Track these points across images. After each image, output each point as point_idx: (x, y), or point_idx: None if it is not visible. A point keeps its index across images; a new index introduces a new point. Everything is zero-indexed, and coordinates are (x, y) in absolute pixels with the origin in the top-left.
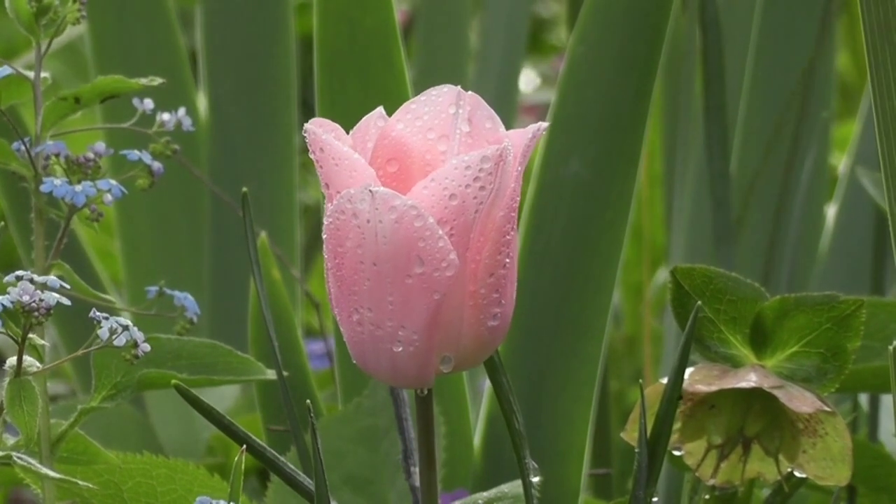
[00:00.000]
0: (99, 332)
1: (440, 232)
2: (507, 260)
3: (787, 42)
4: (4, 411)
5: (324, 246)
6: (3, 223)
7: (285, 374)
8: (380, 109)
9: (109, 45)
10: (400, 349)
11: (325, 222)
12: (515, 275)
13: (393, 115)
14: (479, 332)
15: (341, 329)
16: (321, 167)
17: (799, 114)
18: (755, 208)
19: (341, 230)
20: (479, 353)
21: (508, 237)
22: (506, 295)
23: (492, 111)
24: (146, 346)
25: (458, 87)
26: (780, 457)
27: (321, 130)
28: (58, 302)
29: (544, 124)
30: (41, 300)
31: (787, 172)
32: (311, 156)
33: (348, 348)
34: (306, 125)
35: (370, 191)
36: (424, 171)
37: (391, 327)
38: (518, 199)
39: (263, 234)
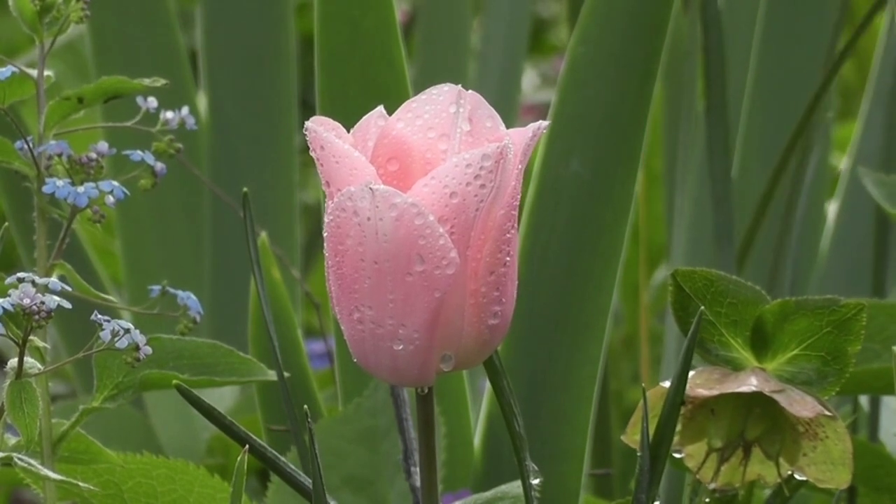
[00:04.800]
0: (101, 334)
1: (441, 230)
2: (508, 258)
3: (790, 41)
4: (5, 413)
5: (324, 244)
6: (5, 224)
7: (286, 374)
8: (380, 108)
9: (109, 44)
10: (400, 347)
11: (326, 220)
12: (516, 273)
13: (393, 114)
14: (480, 331)
15: (342, 327)
16: (322, 165)
17: (809, 116)
18: (763, 217)
19: (342, 228)
20: (479, 352)
21: (509, 235)
22: (506, 293)
23: (492, 110)
24: (148, 349)
25: (459, 85)
26: (781, 460)
27: (322, 129)
28: (58, 305)
29: (545, 123)
30: (42, 303)
31: (796, 175)
32: (312, 154)
33: (349, 347)
34: (307, 123)
35: (371, 188)
36: (425, 170)
37: (392, 325)
38: (518, 197)
39: (263, 234)
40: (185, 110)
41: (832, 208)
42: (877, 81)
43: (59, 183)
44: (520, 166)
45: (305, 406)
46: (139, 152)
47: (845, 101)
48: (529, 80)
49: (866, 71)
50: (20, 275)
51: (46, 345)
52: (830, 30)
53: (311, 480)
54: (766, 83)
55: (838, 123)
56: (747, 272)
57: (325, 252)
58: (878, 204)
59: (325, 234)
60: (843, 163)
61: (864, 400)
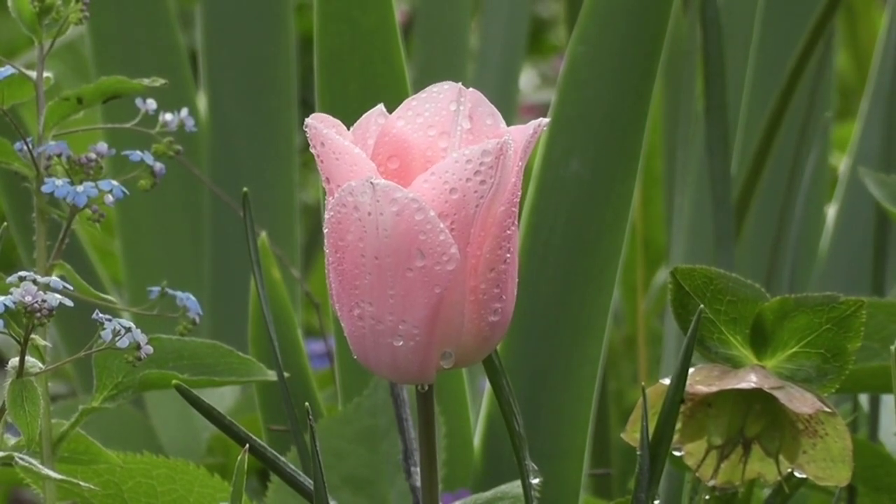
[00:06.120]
0: (102, 333)
1: (441, 225)
2: (508, 255)
3: (789, 41)
4: (6, 412)
5: (325, 240)
6: (4, 224)
7: (286, 374)
8: (380, 107)
9: (109, 45)
10: (401, 343)
11: (326, 216)
12: (516, 271)
13: (394, 112)
14: (480, 328)
15: (342, 324)
16: (322, 162)
17: (805, 114)
18: (758, 209)
19: (342, 223)
20: (479, 349)
21: (509, 232)
22: (506, 290)
23: (493, 108)
24: (149, 349)
25: (459, 83)
26: (781, 457)
27: (322, 125)
28: (60, 303)
29: (545, 120)
30: (44, 301)
31: (793, 174)
32: (312, 150)
33: (349, 343)
34: (307, 120)
35: (371, 183)
36: (425, 168)
37: (392, 321)
38: (519, 194)
39: (263, 234)
40: (184, 112)
41: (832, 208)
42: (876, 81)
43: (59, 182)
44: (520, 163)
45: (307, 403)
46: (139, 153)
47: (845, 101)
48: (529, 80)
49: (866, 70)
50: (21, 273)
51: (47, 343)
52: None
53: (311, 480)
54: (765, 83)
55: (838, 123)
56: (746, 273)
57: (325, 249)
58: (878, 204)
59: (325, 231)
60: (842, 163)
61: (863, 399)
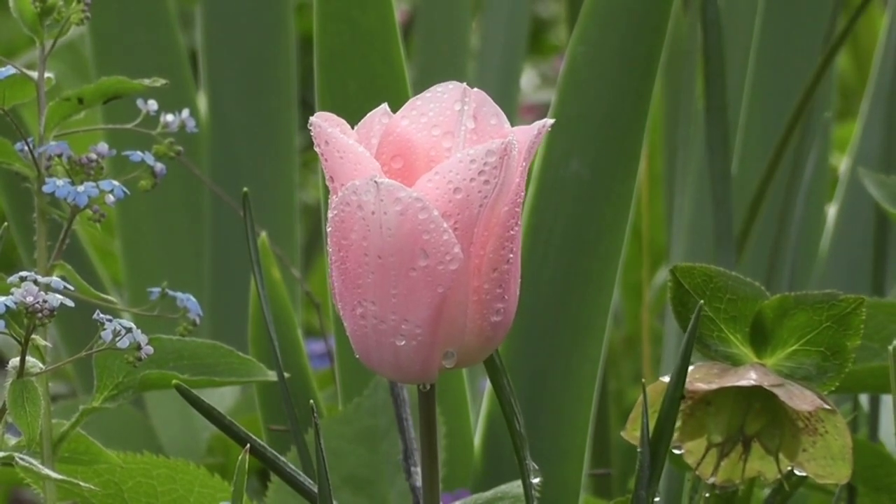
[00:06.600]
0: (102, 334)
1: (444, 225)
2: (511, 255)
3: (789, 42)
4: (7, 412)
5: (328, 239)
6: (5, 224)
7: (286, 374)
8: (384, 106)
9: (110, 45)
10: (403, 343)
11: (330, 215)
12: (519, 271)
13: (398, 112)
14: (483, 328)
15: (345, 323)
16: (326, 160)
17: (806, 115)
18: (759, 210)
19: (346, 222)
20: (481, 349)
21: (513, 233)
22: (509, 291)
23: (497, 108)
24: (149, 349)
25: (464, 83)
26: (781, 455)
27: (326, 124)
28: (61, 303)
29: (549, 121)
30: (45, 301)
31: (793, 174)
32: (316, 149)
33: (351, 342)
34: (311, 118)
35: (375, 182)
36: (429, 168)
37: (395, 321)
38: (522, 195)
39: (263, 234)
40: (185, 112)
41: (832, 208)
42: (877, 81)
43: (59, 182)
44: (524, 164)
45: (312, 401)
46: (139, 153)
47: (845, 101)
48: (529, 80)
49: (866, 71)
50: (22, 273)
51: (47, 343)
52: (827, 20)
53: (311, 480)
54: (765, 83)
55: (838, 123)
56: (746, 272)
57: (328, 247)
58: (878, 204)
59: (328, 229)
60: (842, 163)
61: (864, 399)
